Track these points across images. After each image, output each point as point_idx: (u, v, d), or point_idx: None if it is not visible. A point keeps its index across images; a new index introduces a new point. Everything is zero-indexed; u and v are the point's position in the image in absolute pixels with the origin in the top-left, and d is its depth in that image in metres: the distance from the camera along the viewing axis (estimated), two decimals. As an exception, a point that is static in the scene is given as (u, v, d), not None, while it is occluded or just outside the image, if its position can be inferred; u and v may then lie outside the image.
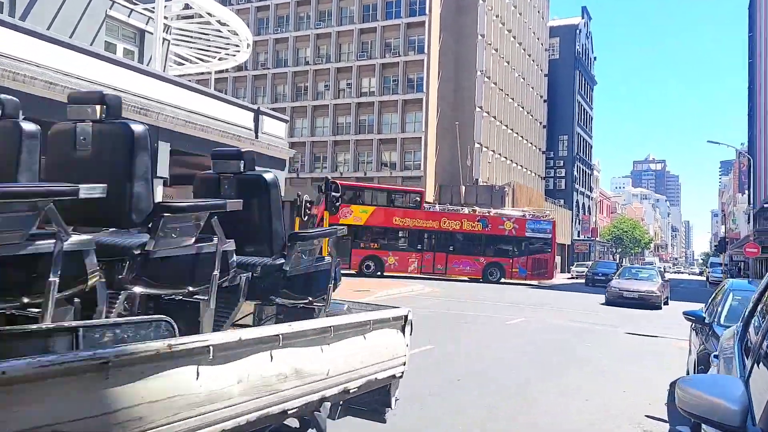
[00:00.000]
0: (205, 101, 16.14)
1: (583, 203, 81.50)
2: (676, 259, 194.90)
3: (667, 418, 6.53)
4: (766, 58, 54.57)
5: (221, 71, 59.13)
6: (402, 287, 22.93)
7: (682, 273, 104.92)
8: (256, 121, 17.53)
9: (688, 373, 8.41)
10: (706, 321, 6.67)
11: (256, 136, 17.40)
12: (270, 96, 56.32)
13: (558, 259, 66.59)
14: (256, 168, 4.11)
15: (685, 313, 7.46)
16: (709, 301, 8.34)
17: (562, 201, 71.34)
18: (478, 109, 51.65)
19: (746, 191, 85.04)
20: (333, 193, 18.26)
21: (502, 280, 32.99)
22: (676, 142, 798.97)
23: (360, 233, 31.11)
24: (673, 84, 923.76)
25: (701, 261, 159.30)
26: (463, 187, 49.76)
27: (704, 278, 75.45)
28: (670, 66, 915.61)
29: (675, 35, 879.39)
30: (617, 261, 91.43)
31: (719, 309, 6.67)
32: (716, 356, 5.15)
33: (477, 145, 51.46)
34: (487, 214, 35.33)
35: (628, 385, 8.31)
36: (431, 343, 10.00)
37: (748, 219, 75.19)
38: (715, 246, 75.56)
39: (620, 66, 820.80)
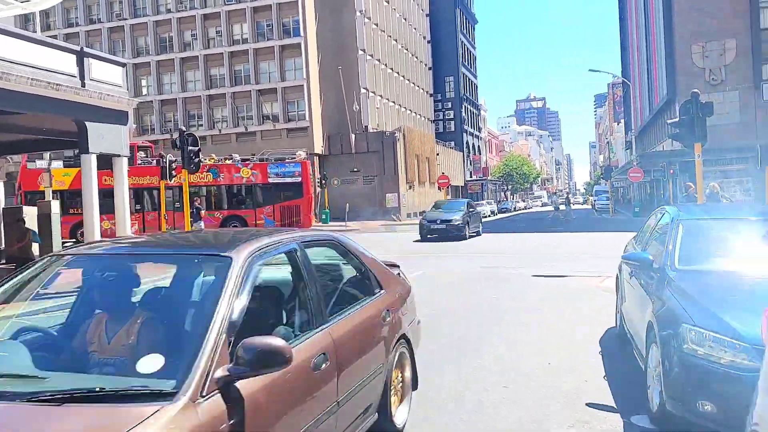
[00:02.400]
0: (5, 42, 12.52)
1: (473, 144, 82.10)
2: (560, 190, 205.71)
3: (614, 404, 4.79)
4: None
5: (70, 25, 52.14)
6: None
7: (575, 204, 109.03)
8: (81, 65, 14.07)
9: (617, 326, 6.88)
10: (656, 266, 4.94)
11: (83, 85, 13.99)
12: (131, 50, 50.45)
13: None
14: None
15: (624, 258, 5.74)
16: (640, 238, 6.74)
17: (452, 143, 71.19)
18: (361, 53, 49.06)
19: (621, 120, 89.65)
20: (190, 147, 15.34)
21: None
22: (554, 79, 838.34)
23: (68, 199, 25.52)
24: (549, 21, 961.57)
25: (584, 191, 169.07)
26: (353, 135, 47.57)
27: (590, 206, 79.25)
28: (546, 3, 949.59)
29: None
30: (509, 198, 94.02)
31: (669, 248, 4.94)
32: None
33: (363, 91, 49.13)
34: (222, 162, 30.06)
35: (550, 351, 6.61)
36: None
37: (626, 146, 79.25)
38: (600, 175, 79.02)
39: (499, 3, 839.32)
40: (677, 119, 12.48)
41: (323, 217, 41.25)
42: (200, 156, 16.14)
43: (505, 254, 17.51)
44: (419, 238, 24.32)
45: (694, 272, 4.66)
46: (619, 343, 6.58)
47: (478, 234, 25.76)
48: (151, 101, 49.68)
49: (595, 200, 62.41)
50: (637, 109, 57.55)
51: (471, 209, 26.25)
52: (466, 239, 23.15)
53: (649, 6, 47.60)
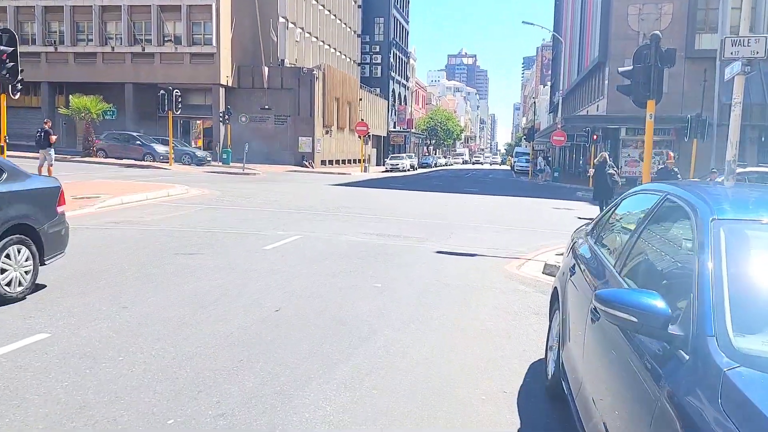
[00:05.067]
0: None
1: (400, 93, 78.84)
2: (482, 149, 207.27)
3: None
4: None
5: None
6: (156, 190, 16.96)
7: (484, 163, 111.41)
8: None
9: (549, 374, 4.19)
10: (677, 332, 2.08)
11: None
12: (9, -58, 42.75)
13: (374, 151, 63.79)
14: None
15: (603, 301, 2.74)
16: (603, 236, 3.97)
17: (378, 89, 67.60)
18: (281, -24, 44.06)
19: (548, 83, 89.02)
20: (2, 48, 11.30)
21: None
22: (486, 36, 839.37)
23: None
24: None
25: (504, 151, 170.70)
26: (266, 69, 43.02)
27: (508, 167, 78.69)
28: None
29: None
30: (431, 153, 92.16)
31: (707, 296, 2.07)
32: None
33: (282, 20, 44.39)
34: None
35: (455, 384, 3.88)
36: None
37: (550, 109, 78.80)
38: (523, 136, 78.29)
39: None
40: (629, 67, 9.94)
41: (224, 156, 37.16)
42: (18, 62, 12.10)
43: (413, 218, 14.80)
44: (325, 191, 21.26)
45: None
46: (552, 407, 3.92)
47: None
48: (33, 6, 42.72)
49: (515, 161, 61.26)
50: (565, 71, 56.15)
51: None
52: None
53: (589, -38, 45.39)
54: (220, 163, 36.63)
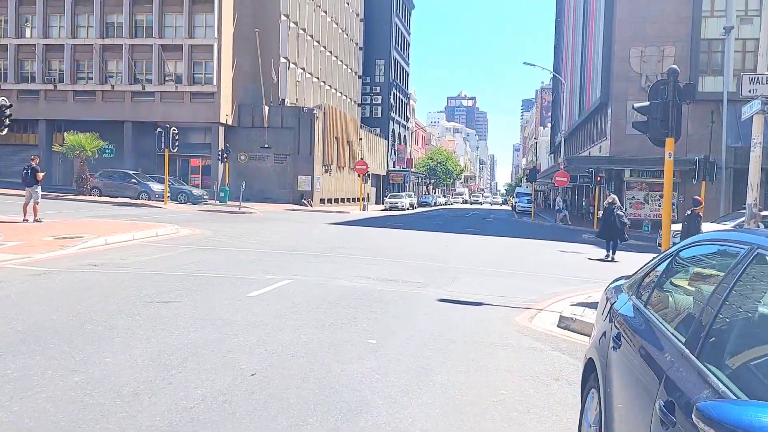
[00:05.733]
0: None
1: (399, 133, 78.94)
2: (482, 189, 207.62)
3: None
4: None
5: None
6: (144, 230, 16.19)
7: (483, 203, 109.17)
8: None
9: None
10: None
11: None
12: (14, -17, 43.17)
13: (373, 190, 63.34)
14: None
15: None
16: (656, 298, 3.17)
17: (378, 129, 67.60)
18: (284, 18, 44.34)
19: (548, 124, 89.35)
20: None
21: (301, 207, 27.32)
22: (485, 79, 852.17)
23: None
24: (485, 18, 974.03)
25: (504, 191, 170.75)
26: (267, 108, 42.88)
27: (509, 208, 78.14)
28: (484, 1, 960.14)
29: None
30: (431, 192, 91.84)
31: None
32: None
33: (283, 60, 44.47)
34: None
35: None
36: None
37: (550, 151, 78.76)
38: (523, 176, 78.00)
39: None
40: (645, 103, 9.30)
41: (221, 195, 36.55)
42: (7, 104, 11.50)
43: (412, 260, 13.99)
44: (321, 230, 20.49)
45: None
46: None
47: None
48: (34, 45, 42.83)
49: (516, 202, 60.63)
50: (566, 112, 56.12)
51: None
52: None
53: (589, 7, 45.77)
54: (218, 202, 35.99)
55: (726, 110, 26.13)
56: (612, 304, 3.44)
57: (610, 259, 16.59)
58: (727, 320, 2.15)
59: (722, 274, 2.35)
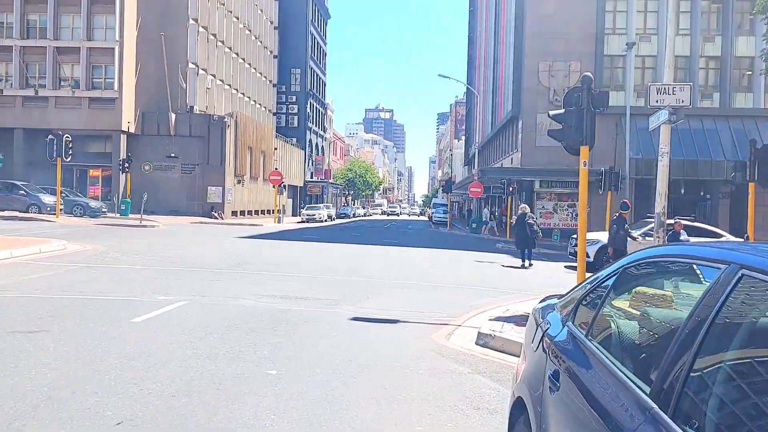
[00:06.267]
0: None
1: (317, 143, 77.97)
2: (400, 200, 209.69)
3: None
4: (484, 9, 55.75)
5: None
6: (25, 246, 14.46)
7: (401, 214, 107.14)
8: None
9: None
10: None
11: None
12: None
13: (290, 201, 61.92)
14: None
15: None
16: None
17: (294, 139, 66.37)
18: (192, 22, 42.44)
19: (462, 137, 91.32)
20: None
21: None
22: (402, 92, 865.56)
23: None
24: (403, 33, 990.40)
25: (422, 202, 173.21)
26: (173, 115, 40.81)
27: (426, 218, 78.89)
28: (400, 11, 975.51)
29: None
30: (349, 203, 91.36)
31: None
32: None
33: (191, 66, 42.52)
34: None
35: None
36: None
37: (464, 162, 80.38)
38: (439, 188, 79.17)
39: (354, 7, 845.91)
40: (560, 111, 9.09)
41: (122, 207, 34.17)
42: None
43: (326, 275, 13.23)
44: (229, 244, 19.27)
45: None
46: None
47: None
48: None
49: (432, 212, 61.22)
50: (479, 124, 57.36)
51: None
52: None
53: (500, 22, 47.04)
54: (118, 215, 33.61)
55: (629, 123, 27.29)
56: (544, 331, 2.88)
57: (526, 266, 17.08)
58: (712, 366, 1.60)
59: (692, 302, 1.81)
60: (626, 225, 14.65)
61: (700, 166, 31.50)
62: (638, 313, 2.46)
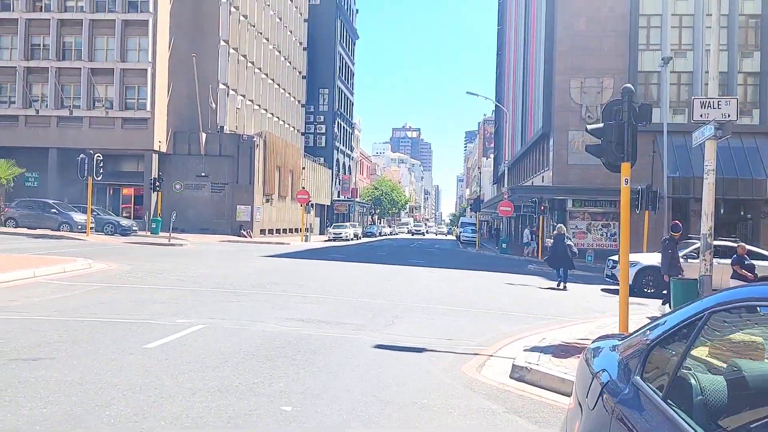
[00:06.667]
0: None
1: (344, 162, 78.12)
2: (427, 219, 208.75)
3: None
4: (512, 26, 55.37)
5: None
6: (50, 265, 14.35)
7: (426, 233, 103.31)
8: None
9: None
10: None
11: None
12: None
13: (317, 220, 61.90)
14: None
15: None
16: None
17: (322, 159, 66.59)
18: (222, 43, 42.99)
19: (491, 155, 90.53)
20: None
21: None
22: (430, 111, 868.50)
23: None
24: (431, 52, 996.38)
25: (449, 221, 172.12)
26: (204, 135, 41.16)
27: (454, 237, 77.97)
28: (428, 30, 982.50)
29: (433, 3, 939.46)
30: (376, 222, 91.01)
31: None
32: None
33: (222, 87, 42.97)
34: None
35: None
36: None
37: (493, 181, 79.55)
38: (467, 206, 78.39)
39: (382, 26, 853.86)
40: (599, 125, 8.52)
41: (153, 226, 34.38)
42: None
43: (350, 297, 12.77)
44: (255, 264, 18.98)
45: None
46: None
47: None
48: (-51, 65, 39.90)
49: (461, 232, 60.36)
50: (508, 142, 56.67)
51: None
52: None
53: (529, 39, 46.55)
54: (149, 233, 33.81)
55: (666, 140, 26.34)
56: (603, 385, 2.35)
57: (561, 287, 16.68)
58: None
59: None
60: (677, 248, 13.59)
61: (740, 184, 30.29)
62: (726, 366, 1.93)
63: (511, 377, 6.69)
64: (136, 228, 32.83)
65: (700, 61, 33.07)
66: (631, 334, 2.55)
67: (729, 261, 13.97)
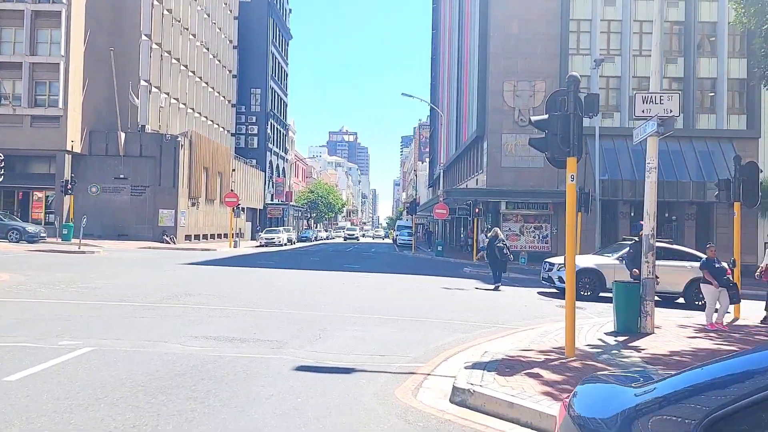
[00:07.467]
0: None
1: (278, 165, 76.13)
2: (364, 223, 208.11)
3: None
4: (447, 30, 55.48)
5: None
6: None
7: (366, 236, 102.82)
8: None
9: None
10: None
11: None
12: None
13: (248, 225, 59.77)
14: None
15: None
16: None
17: (254, 161, 64.48)
18: (144, 38, 40.54)
19: (427, 159, 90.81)
20: None
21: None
22: (367, 115, 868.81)
23: None
24: (366, 55, 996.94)
25: (386, 225, 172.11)
26: (123, 134, 38.65)
27: (391, 241, 77.44)
28: (363, 33, 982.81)
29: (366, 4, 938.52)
30: (312, 226, 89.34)
31: None
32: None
33: (143, 84, 40.51)
34: None
35: None
36: None
37: (429, 184, 79.65)
38: (403, 210, 78.08)
39: (317, 29, 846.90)
40: (543, 116, 7.81)
41: (64, 232, 31.77)
42: None
43: (275, 308, 11.60)
44: (172, 273, 17.37)
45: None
46: None
47: None
48: None
49: (397, 235, 59.81)
50: (443, 145, 56.64)
51: None
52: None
53: (464, 42, 46.56)
54: (60, 240, 31.20)
55: (598, 143, 26.59)
56: None
57: (497, 288, 17.10)
58: None
59: None
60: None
61: (666, 187, 31.01)
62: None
63: (451, 401, 5.79)
64: (44, 234, 30.21)
65: (627, 66, 33.77)
66: (652, 385, 1.65)
67: (663, 262, 13.79)
